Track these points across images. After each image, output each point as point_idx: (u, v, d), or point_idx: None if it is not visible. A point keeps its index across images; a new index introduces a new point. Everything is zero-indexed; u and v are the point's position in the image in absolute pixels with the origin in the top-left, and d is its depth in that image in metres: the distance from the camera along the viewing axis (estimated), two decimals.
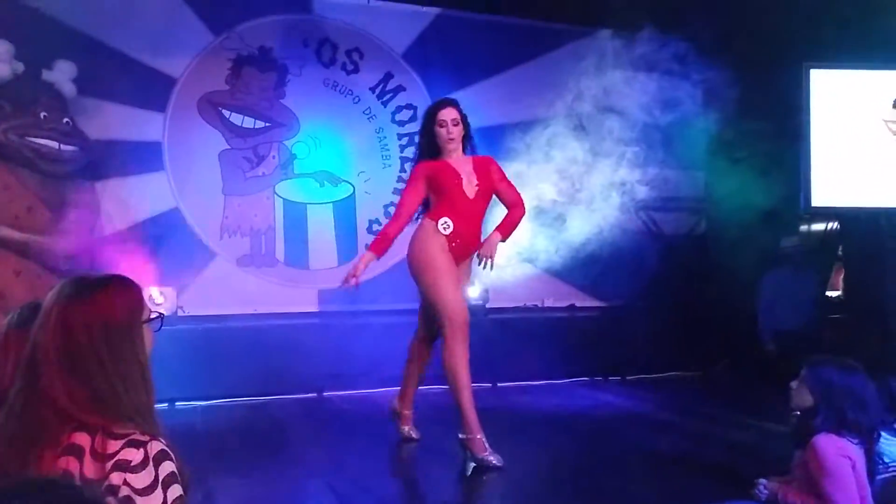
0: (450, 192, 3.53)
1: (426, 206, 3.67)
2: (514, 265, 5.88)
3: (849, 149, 4.00)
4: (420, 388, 3.98)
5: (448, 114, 3.57)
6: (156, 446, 1.25)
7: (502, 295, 5.89)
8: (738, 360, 5.89)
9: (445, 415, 4.57)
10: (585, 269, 5.89)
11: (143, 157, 5.34)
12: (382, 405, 4.19)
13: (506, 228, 3.63)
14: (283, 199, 5.71)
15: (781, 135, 4.51)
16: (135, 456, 1.22)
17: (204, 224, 5.50)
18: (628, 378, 5.92)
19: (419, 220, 3.66)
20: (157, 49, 5.36)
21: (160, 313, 1.45)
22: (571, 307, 6.11)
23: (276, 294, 5.56)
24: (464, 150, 3.66)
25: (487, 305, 5.78)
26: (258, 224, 5.63)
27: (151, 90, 5.37)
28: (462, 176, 3.55)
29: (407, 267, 3.63)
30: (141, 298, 1.41)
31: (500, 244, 3.62)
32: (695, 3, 4.84)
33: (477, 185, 3.55)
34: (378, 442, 3.95)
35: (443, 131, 3.55)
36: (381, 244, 3.57)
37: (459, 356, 3.39)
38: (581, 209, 5.83)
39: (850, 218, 4.86)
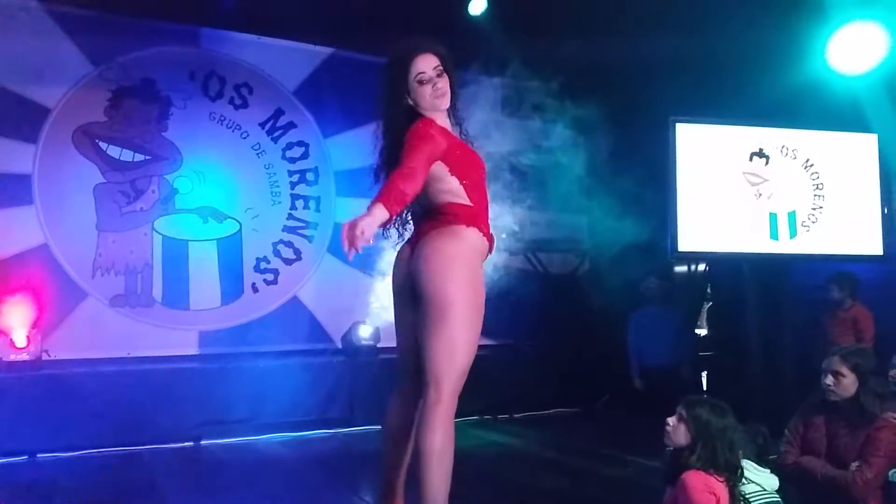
0: (479, 183, 2.54)
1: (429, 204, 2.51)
2: None
3: (712, 198, 4.31)
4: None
5: (427, 62, 2.47)
6: None
7: (393, 335, 5.85)
8: (617, 396, 6.14)
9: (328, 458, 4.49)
10: None
11: (10, 189, 5.00)
12: (264, 454, 4.04)
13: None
14: (163, 235, 5.47)
15: (652, 182, 4.81)
16: None
17: (75, 261, 5.17)
18: (516, 416, 6.01)
19: (444, 223, 2.45)
20: (31, 78, 5.08)
21: None
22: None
23: (152, 336, 5.28)
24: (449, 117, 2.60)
25: (378, 345, 5.73)
26: (134, 262, 5.35)
27: (22, 120, 5.06)
28: (483, 160, 2.60)
29: (420, 283, 2.39)
30: None
31: None
32: (571, 54, 5.10)
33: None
34: (259, 494, 3.78)
35: (426, 89, 2.47)
36: (397, 200, 2.21)
37: (450, 436, 2.33)
38: None
39: (715, 261, 5.22)
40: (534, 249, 6.63)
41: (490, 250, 2.55)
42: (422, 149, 2.34)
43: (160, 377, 4.94)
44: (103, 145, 5.35)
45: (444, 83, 2.48)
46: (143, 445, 4.69)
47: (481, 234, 2.48)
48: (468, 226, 2.46)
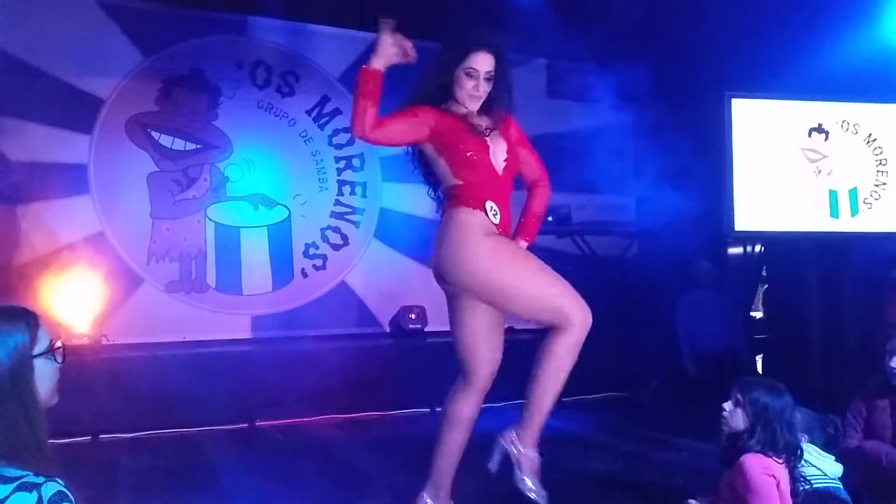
0: (476, 165, 2.53)
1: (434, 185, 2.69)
2: None
3: (769, 175, 4.17)
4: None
5: (483, 62, 2.52)
6: (51, 488, 1.18)
7: (440, 318, 5.86)
8: (667, 380, 6.03)
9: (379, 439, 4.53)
10: None
11: (68, 179, 5.16)
12: (318, 435, 4.09)
13: (532, 227, 2.71)
14: (215, 222, 5.59)
15: (706, 162, 4.68)
16: (27, 500, 1.15)
17: (131, 249, 5.32)
18: (564, 400, 5.95)
19: (443, 213, 2.60)
20: (84, 69, 5.22)
21: (59, 345, 1.37)
22: (510, 330, 6.12)
23: (206, 321, 5.41)
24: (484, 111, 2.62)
25: (426, 329, 5.75)
26: (188, 248, 5.48)
27: (77, 111, 5.22)
28: (489, 143, 2.57)
29: (442, 275, 2.56)
30: (26, 331, 1.31)
31: None
32: (622, 33, 5.00)
33: (506, 157, 2.58)
34: (314, 475, 3.84)
35: (469, 84, 2.53)
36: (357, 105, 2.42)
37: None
38: None
39: (772, 241, 5.06)
40: (581, 232, 6.54)
41: (499, 225, 2.54)
42: (398, 114, 2.53)
43: (215, 360, 5.05)
44: (155, 135, 5.47)
45: (486, 89, 2.56)
46: (199, 427, 4.81)
47: (471, 209, 2.51)
48: (456, 206, 2.53)
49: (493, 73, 2.55)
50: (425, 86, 2.60)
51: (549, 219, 5.97)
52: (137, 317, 5.20)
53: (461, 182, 2.54)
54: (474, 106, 2.58)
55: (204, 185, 5.59)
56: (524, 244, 2.67)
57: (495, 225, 2.52)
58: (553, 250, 6.05)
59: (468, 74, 2.53)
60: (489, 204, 2.51)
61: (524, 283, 2.48)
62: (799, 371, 4.39)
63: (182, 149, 5.54)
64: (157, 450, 4.44)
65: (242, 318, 5.59)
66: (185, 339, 5.24)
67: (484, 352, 2.66)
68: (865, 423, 3.07)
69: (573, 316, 2.49)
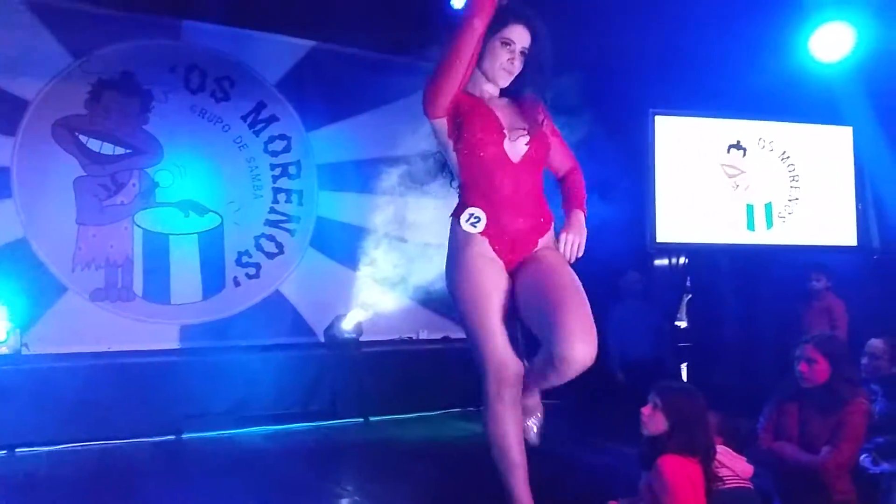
0: (485, 155, 2.30)
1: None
2: (387, 296, 5.91)
3: (691, 189, 4.35)
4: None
5: (521, 36, 2.32)
6: None
7: (376, 328, 5.88)
8: (598, 388, 6.17)
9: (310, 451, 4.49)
10: None
11: None
12: (247, 447, 4.03)
13: (579, 199, 2.49)
14: (143, 229, 5.45)
15: (632, 175, 4.84)
16: None
17: (54, 256, 5.14)
18: None
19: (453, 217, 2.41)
20: (9, 70, 5.04)
21: None
22: (446, 339, 6.18)
23: (132, 330, 5.25)
24: (511, 92, 2.42)
25: (361, 339, 5.74)
26: (114, 256, 5.32)
27: (0, 112, 5.01)
28: (505, 128, 2.32)
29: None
30: None
31: None
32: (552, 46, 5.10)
33: (528, 143, 2.33)
34: (242, 487, 3.78)
35: (505, 55, 2.32)
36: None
37: (508, 422, 2.34)
38: None
39: (694, 253, 5.27)
40: None
41: (494, 237, 2.31)
42: None
43: (141, 371, 4.91)
44: (83, 138, 5.32)
45: (519, 66, 2.34)
46: (124, 439, 4.68)
47: (458, 219, 2.32)
48: (454, 214, 2.37)
49: (527, 50, 2.33)
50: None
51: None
52: (60, 326, 5.02)
53: (463, 180, 2.36)
54: (504, 82, 2.37)
55: (133, 191, 5.45)
56: (580, 214, 2.43)
57: (479, 234, 2.30)
58: None
59: (504, 44, 2.31)
60: (468, 211, 2.30)
61: (468, 324, 2.34)
62: (719, 377, 4.58)
63: (111, 153, 5.39)
64: (79, 463, 4.30)
65: (170, 328, 5.45)
66: (110, 349, 5.08)
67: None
68: (775, 426, 3.23)
69: (490, 374, 2.32)
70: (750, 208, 4.30)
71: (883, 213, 4.75)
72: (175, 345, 5.42)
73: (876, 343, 3.79)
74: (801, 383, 3.15)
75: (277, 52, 6.01)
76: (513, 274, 2.35)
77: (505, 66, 2.32)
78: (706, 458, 2.65)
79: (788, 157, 4.37)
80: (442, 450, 4.63)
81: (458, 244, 2.34)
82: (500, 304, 2.30)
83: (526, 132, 2.33)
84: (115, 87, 5.41)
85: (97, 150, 5.35)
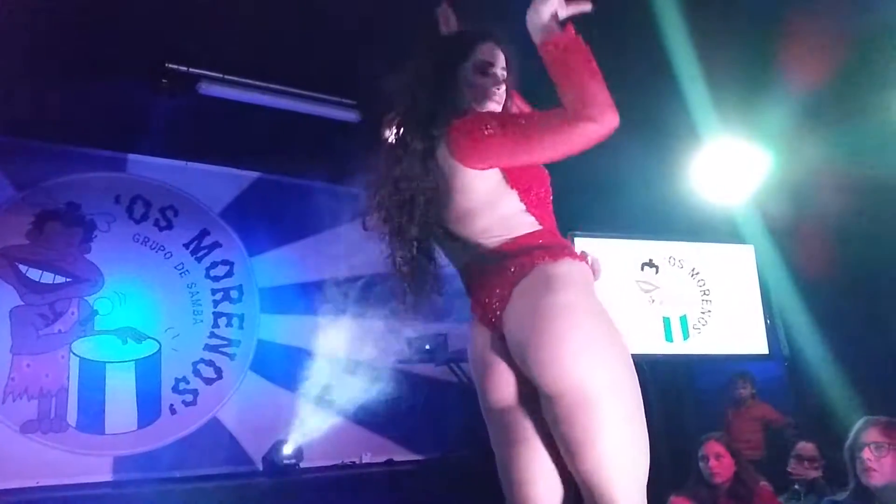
0: (543, 194, 1.90)
1: None
2: (329, 419, 5.90)
3: (609, 304, 4.62)
4: None
5: (497, 56, 1.87)
6: None
7: (317, 452, 5.81)
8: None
9: None
10: (402, 420, 6.03)
11: None
12: None
13: None
14: (80, 357, 5.40)
15: None
16: None
17: None
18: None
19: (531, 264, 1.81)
20: None
21: None
22: (390, 462, 6.14)
23: (64, 463, 5.07)
24: None
25: (301, 465, 5.66)
26: (49, 385, 5.22)
27: None
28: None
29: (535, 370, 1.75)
30: None
31: None
32: None
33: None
34: None
35: (486, 82, 1.86)
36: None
37: None
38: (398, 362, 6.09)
39: None
40: (457, 360, 6.79)
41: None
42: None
43: None
44: (23, 268, 5.35)
45: (504, 92, 1.89)
46: None
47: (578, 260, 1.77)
48: (573, 256, 1.76)
49: (505, 72, 1.89)
50: (429, 96, 1.80)
51: (427, 347, 6.19)
52: None
53: (542, 227, 1.88)
54: (495, 108, 1.90)
55: (71, 319, 5.44)
56: None
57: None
58: (432, 378, 6.24)
59: (482, 71, 1.85)
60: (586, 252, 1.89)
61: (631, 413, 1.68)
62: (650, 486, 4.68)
63: (51, 282, 5.42)
64: None
65: (103, 460, 5.28)
66: (38, 485, 4.88)
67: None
68: None
69: None
70: (667, 321, 4.59)
71: (788, 323, 5.15)
72: (107, 477, 5.23)
73: (806, 446, 3.93)
74: (712, 480, 3.34)
75: (222, 182, 6.26)
76: None
77: (491, 92, 1.86)
78: None
79: (698, 273, 4.75)
80: None
81: (590, 291, 1.75)
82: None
83: None
84: (58, 218, 5.52)
85: (36, 280, 5.38)
